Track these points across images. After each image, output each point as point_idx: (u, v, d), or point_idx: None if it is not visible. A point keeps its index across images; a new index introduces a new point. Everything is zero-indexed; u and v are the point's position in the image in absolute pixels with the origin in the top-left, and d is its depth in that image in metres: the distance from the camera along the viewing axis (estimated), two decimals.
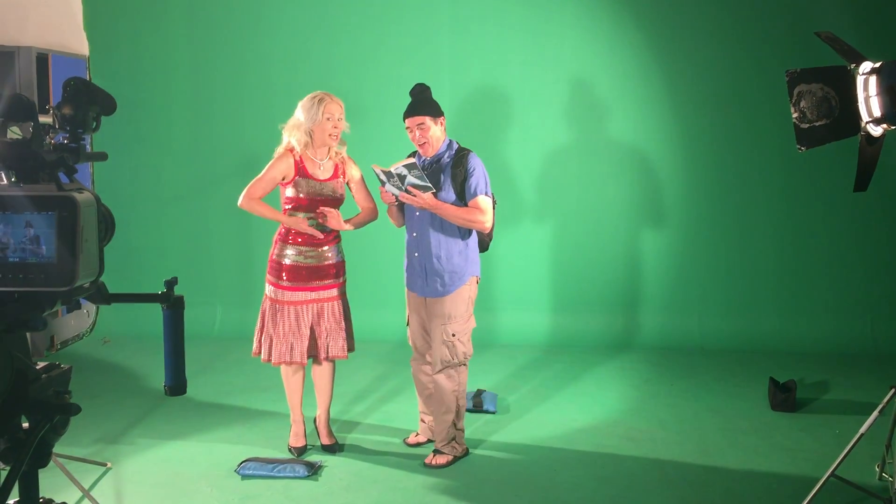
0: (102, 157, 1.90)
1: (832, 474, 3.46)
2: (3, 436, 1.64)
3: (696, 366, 5.87)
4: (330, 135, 4.01)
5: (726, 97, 6.28)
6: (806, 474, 3.96)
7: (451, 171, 3.99)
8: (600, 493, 3.82)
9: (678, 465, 4.14)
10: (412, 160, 3.79)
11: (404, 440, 4.42)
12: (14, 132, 1.76)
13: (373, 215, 4.23)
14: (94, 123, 1.76)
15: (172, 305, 1.82)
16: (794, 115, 3.24)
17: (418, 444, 4.38)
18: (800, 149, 3.26)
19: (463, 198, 3.99)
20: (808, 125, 3.24)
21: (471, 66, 6.34)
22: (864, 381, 5.47)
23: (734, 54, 6.24)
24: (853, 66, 3.14)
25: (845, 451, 3.42)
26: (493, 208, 4.02)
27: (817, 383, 5.44)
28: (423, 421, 4.41)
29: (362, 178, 4.21)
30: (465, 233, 4.06)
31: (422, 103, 3.99)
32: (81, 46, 6.43)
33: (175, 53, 6.57)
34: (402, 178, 3.79)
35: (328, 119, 3.98)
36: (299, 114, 4.03)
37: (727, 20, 6.22)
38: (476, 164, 3.99)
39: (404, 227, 4.21)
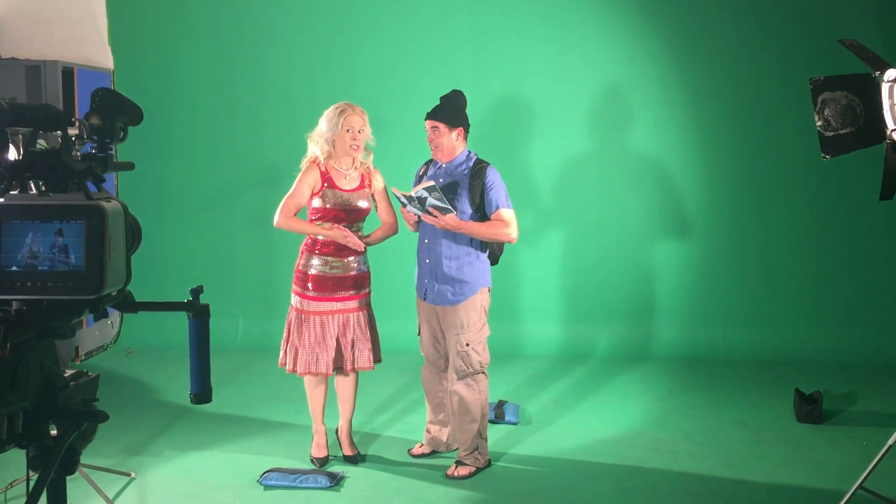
0: (129, 166, 1.92)
1: (860, 487, 3.42)
2: (33, 443, 1.65)
3: (720, 376, 5.82)
4: (350, 146, 4.02)
5: (748, 106, 6.24)
6: (833, 487, 3.91)
7: (468, 182, 3.99)
8: None
9: (703, 478, 4.10)
10: (431, 182, 3.80)
11: (409, 451, 4.41)
12: (40, 144, 1.78)
13: (393, 230, 4.24)
14: (122, 133, 1.78)
15: (198, 314, 1.83)
16: (819, 124, 3.23)
17: (422, 455, 4.37)
18: (824, 157, 3.25)
19: (480, 210, 3.99)
20: (832, 133, 3.22)
21: (491, 77, 6.35)
22: (892, 393, 5.39)
23: (756, 62, 6.20)
24: (878, 73, 3.13)
25: (873, 463, 3.38)
26: None
27: (844, 394, 5.37)
28: (428, 431, 4.40)
29: (385, 190, 4.22)
30: (478, 244, 4.06)
31: (444, 108, 4.01)
32: (106, 60, 6.52)
33: (198, 66, 6.63)
34: (422, 200, 3.81)
35: (348, 131, 4.00)
36: (322, 124, 4.05)
37: (749, 28, 6.19)
38: (494, 177, 3.99)
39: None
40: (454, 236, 4.00)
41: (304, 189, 4.05)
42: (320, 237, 4.07)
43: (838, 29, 5.89)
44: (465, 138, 4.09)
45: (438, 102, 4.05)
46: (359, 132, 4.02)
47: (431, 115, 4.02)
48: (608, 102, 6.30)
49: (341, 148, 4.03)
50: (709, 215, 6.35)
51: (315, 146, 4.08)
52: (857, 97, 3.18)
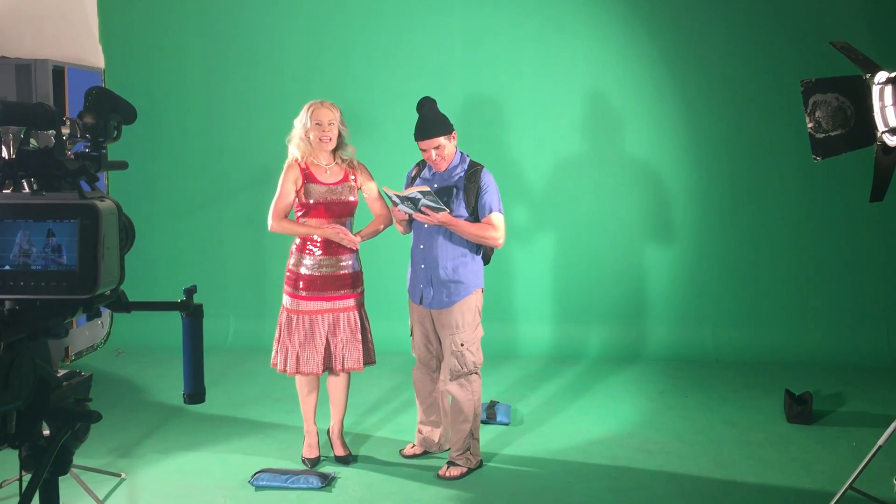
0: (123, 165, 1.91)
1: (849, 487, 3.43)
2: (25, 443, 1.64)
3: (711, 377, 5.83)
4: (321, 139, 4.03)
5: (740, 107, 6.26)
6: (823, 487, 3.94)
7: (464, 185, 3.99)
8: None
9: (694, 478, 4.11)
10: (425, 187, 3.79)
11: (400, 451, 4.41)
12: (32, 143, 1.77)
13: (387, 221, 4.23)
14: (116, 132, 1.77)
15: (191, 313, 1.82)
16: (810, 125, 3.24)
17: (414, 456, 4.37)
18: (815, 159, 3.26)
19: (475, 213, 3.99)
20: (823, 135, 3.24)
21: (483, 78, 6.35)
22: (881, 393, 5.42)
23: (747, 64, 6.23)
24: (868, 75, 3.14)
25: (862, 463, 3.39)
26: None
27: (833, 395, 5.40)
28: (420, 432, 4.41)
29: (374, 183, 4.22)
30: (472, 246, 4.06)
31: (434, 123, 3.94)
32: (97, 59, 6.50)
33: (189, 66, 6.61)
34: (415, 201, 3.80)
35: (317, 124, 4.01)
36: (296, 124, 4.09)
37: (741, 31, 6.21)
38: (489, 180, 3.99)
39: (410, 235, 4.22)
40: (450, 239, 4.00)
41: (289, 188, 4.06)
42: (312, 236, 4.07)
43: (829, 31, 5.92)
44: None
45: (419, 120, 3.95)
46: (329, 125, 4.02)
47: (429, 135, 3.92)
48: (600, 104, 6.31)
49: (315, 143, 4.04)
50: (700, 217, 6.37)
51: (294, 148, 4.10)
52: (848, 99, 3.20)
